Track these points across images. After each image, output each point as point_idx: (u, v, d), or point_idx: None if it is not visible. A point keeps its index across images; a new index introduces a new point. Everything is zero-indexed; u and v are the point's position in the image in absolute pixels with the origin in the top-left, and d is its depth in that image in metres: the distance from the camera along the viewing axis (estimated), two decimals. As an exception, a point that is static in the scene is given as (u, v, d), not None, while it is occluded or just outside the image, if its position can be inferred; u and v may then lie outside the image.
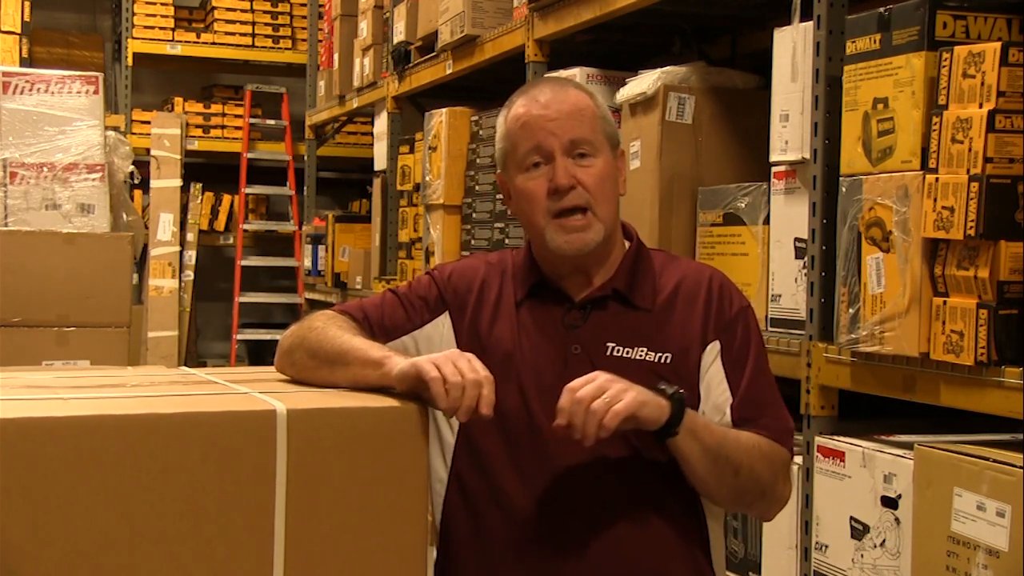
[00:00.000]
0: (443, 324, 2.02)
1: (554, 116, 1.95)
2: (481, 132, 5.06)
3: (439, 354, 1.78)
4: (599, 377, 1.75)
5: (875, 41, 2.56)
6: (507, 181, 2.03)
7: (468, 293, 2.03)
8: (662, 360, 1.94)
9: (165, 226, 7.94)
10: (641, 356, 1.94)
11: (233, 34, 8.83)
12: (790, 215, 3.01)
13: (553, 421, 1.76)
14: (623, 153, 2.04)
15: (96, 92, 4.57)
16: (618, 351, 1.94)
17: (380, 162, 6.61)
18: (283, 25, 8.94)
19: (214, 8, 8.80)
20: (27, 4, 8.09)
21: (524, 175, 1.97)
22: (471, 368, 1.73)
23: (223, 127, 8.89)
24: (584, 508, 1.91)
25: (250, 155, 8.77)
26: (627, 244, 2.05)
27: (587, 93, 2.01)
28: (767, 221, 3.11)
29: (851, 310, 2.62)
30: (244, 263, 8.70)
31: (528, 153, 1.96)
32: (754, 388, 1.96)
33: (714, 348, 1.96)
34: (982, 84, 2.30)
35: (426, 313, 2.02)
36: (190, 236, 8.44)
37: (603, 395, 1.73)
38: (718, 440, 1.87)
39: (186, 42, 8.76)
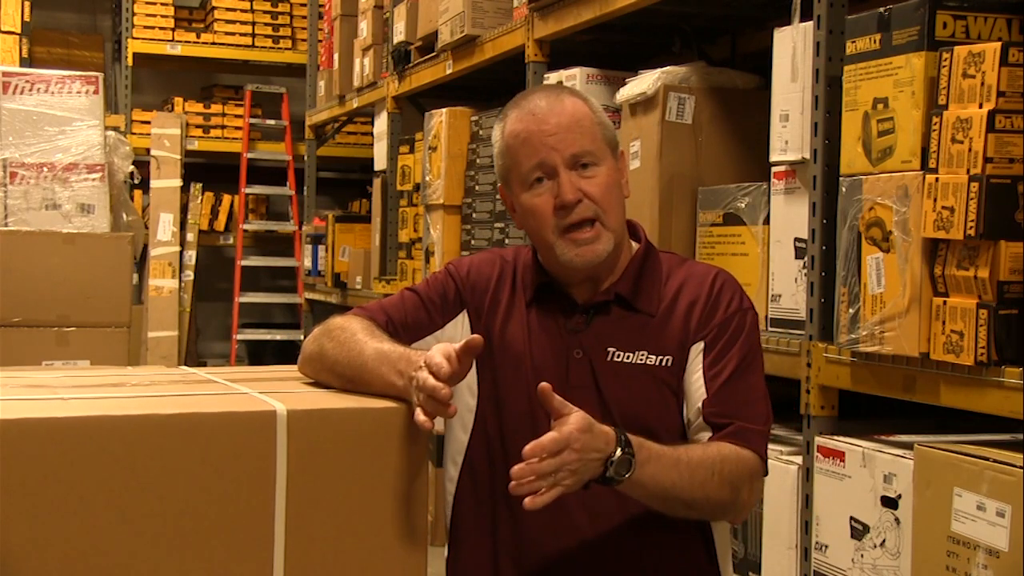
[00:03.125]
0: (462, 323, 2.02)
1: (553, 130, 1.91)
2: (481, 132, 5.06)
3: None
4: (564, 449, 1.65)
5: (875, 41, 2.56)
6: (510, 196, 2.00)
7: (485, 292, 2.03)
8: (663, 363, 1.93)
9: (165, 226, 7.93)
10: (642, 360, 1.93)
11: (233, 34, 8.82)
12: (790, 215, 3.01)
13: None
14: (623, 154, 2.02)
15: (96, 92, 4.57)
16: (619, 356, 1.93)
17: (380, 162, 6.61)
18: (283, 25, 8.94)
19: (214, 8, 8.79)
20: (27, 4, 8.09)
21: (529, 192, 1.94)
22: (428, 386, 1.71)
23: (223, 127, 8.89)
24: (585, 512, 1.91)
25: (250, 155, 8.76)
26: (635, 245, 2.04)
27: (582, 99, 1.98)
28: (767, 221, 3.11)
29: (851, 310, 2.62)
30: (244, 263, 8.70)
31: (531, 170, 1.93)
32: (730, 390, 1.91)
33: (697, 347, 1.94)
34: (982, 84, 2.30)
35: (446, 312, 2.02)
36: (190, 236, 8.44)
37: (558, 470, 1.65)
38: (667, 486, 1.78)
39: (186, 42, 8.75)
